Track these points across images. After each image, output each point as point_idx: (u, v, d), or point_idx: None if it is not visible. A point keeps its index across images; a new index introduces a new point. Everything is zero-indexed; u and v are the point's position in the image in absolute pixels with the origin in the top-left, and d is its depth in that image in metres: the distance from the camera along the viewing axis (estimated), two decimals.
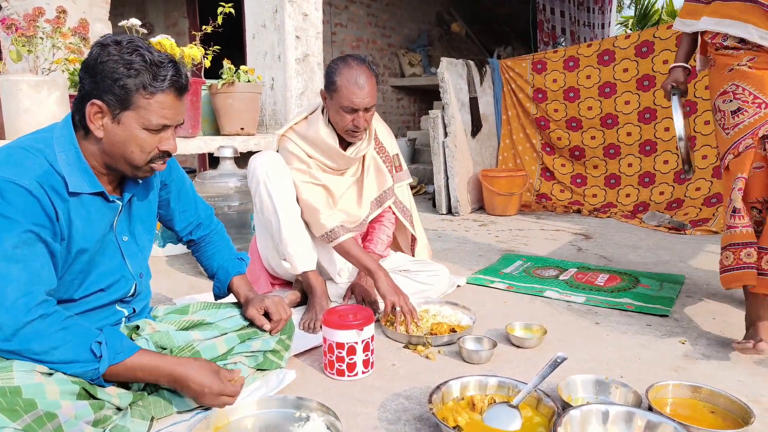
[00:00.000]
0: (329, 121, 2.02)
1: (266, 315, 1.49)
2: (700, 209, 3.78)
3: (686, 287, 2.38)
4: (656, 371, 1.59)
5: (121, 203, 1.29)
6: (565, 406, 1.30)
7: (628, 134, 4.27)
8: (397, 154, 2.29)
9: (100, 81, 1.13)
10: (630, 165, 4.28)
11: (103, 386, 1.16)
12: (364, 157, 2.15)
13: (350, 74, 1.88)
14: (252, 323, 1.48)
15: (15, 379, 1.03)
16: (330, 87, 1.92)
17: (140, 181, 1.33)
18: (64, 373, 1.10)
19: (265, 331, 1.48)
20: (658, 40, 4.02)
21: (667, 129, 4.08)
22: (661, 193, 4.10)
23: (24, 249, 1.08)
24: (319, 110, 2.06)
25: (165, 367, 1.19)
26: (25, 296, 1.07)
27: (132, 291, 1.35)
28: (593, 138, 4.40)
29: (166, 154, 1.23)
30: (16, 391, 1.01)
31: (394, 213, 2.26)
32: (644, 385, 1.47)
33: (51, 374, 1.09)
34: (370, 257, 2.00)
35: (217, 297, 1.60)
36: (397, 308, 1.83)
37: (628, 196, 4.26)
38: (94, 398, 1.14)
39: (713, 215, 3.64)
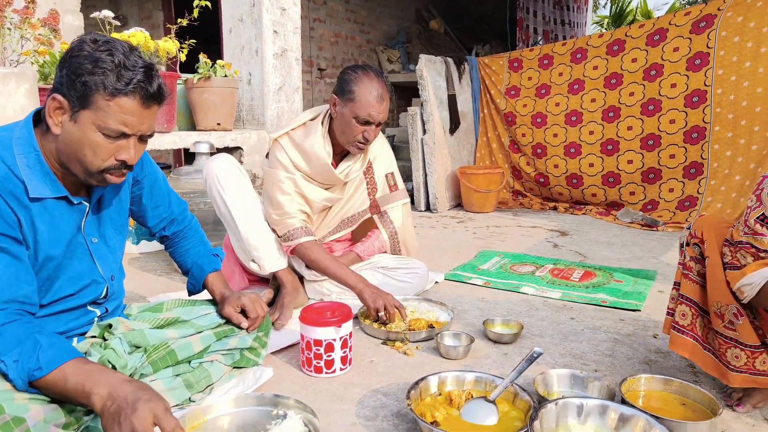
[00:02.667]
0: (329, 130, 1.97)
1: (243, 312, 1.47)
2: (674, 213, 3.78)
3: (658, 282, 2.43)
4: (629, 365, 1.62)
5: (88, 204, 1.24)
6: (542, 400, 1.31)
7: (591, 133, 4.15)
8: (392, 173, 2.21)
9: (66, 75, 1.08)
10: (591, 165, 4.15)
11: (55, 402, 1.06)
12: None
13: (371, 86, 1.85)
14: (228, 321, 1.47)
15: None
16: (345, 95, 1.87)
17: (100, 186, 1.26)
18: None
19: (242, 328, 1.46)
20: (629, 38, 4.05)
21: (630, 128, 3.95)
22: (632, 193, 4.03)
23: None
24: (319, 119, 1.99)
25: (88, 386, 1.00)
26: None
27: (104, 294, 1.31)
28: (555, 135, 4.30)
29: (123, 165, 1.15)
30: None
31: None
32: (618, 378, 1.51)
33: None
34: (340, 265, 1.95)
35: (191, 293, 1.57)
36: (381, 313, 1.81)
37: (594, 195, 4.21)
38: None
39: (686, 220, 3.64)
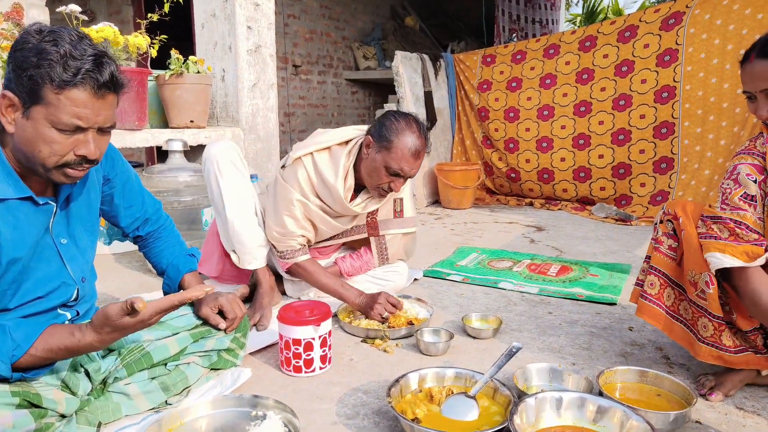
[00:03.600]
0: (355, 164, 1.90)
1: (220, 313, 1.45)
2: (647, 207, 3.84)
3: (632, 276, 2.48)
4: (606, 357, 1.64)
5: (55, 205, 1.19)
6: (521, 395, 1.32)
7: (562, 127, 4.15)
8: (401, 199, 2.09)
9: (13, 71, 1.03)
10: (563, 159, 4.16)
11: (26, 378, 1.09)
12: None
13: (411, 141, 1.78)
14: (205, 322, 1.44)
15: None
16: (381, 140, 1.80)
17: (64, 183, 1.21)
18: None
19: (219, 329, 1.44)
20: (601, 35, 4.11)
21: (601, 122, 3.98)
22: (602, 189, 4.07)
23: None
24: (347, 149, 1.89)
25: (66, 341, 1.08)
26: None
27: (74, 296, 1.27)
28: (528, 130, 4.31)
29: (84, 160, 1.09)
30: None
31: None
32: (595, 371, 1.53)
33: None
34: (336, 281, 1.94)
35: (166, 294, 1.54)
36: (385, 315, 1.82)
37: (565, 191, 4.23)
38: (38, 407, 1.07)
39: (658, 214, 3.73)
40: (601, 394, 1.31)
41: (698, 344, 1.39)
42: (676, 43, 3.72)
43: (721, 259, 1.29)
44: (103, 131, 1.11)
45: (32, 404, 1.06)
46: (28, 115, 1.03)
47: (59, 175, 1.10)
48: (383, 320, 1.82)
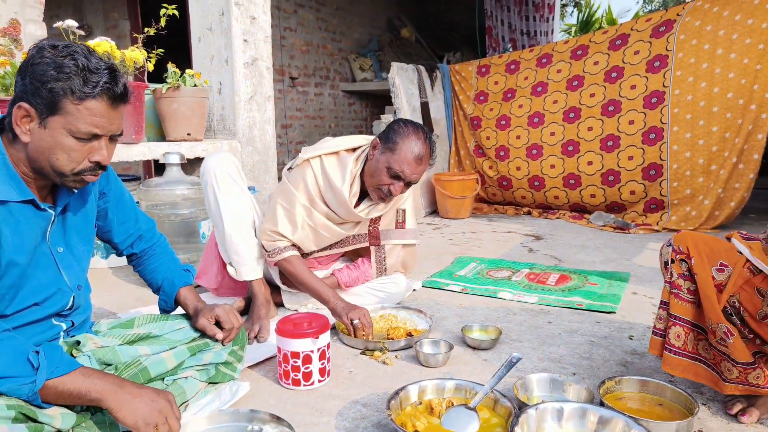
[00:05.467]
0: (362, 171, 1.93)
1: (217, 324, 1.44)
2: (645, 216, 3.83)
3: (632, 284, 2.47)
4: (607, 367, 1.63)
5: (53, 212, 1.22)
6: (522, 406, 1.31)
7: (552, 134, 4.15)
8: (404, 210, 2.11)
9: (30, 84, 1.08)
10: (552, 166, 4.15)
11: (41, 407, 1.07)
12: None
13: (415, 145, 1.83)
14: (203, 334, 1.43)
15: None
16: (387, 143, 1.85)
17: (75, 189, 1.25)
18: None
19: (217, 341, 1.43)
20: (593, 44, 4.14)
21: (590, 128, 3.97)
22: (592, 196, 4.05)
23: None
24: (355, 155, 1.93)
25: (106, 389, 1.10)
26: None
27: (70, 304, 1.27)
28: (518, 137, 4.30)
29: (98, 166, 1.16)
30: None
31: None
32: (596, 381, 1.52)
33: None
34: (316, 279, 1.92)
35: (163, 311, 1.53)
36: (355, 321, 1.79)
37: (556, 197, 4.22)
38: (35, 421, 1.06)
39: (657, 223, 3.69)
40: (602, 404, 1.30)
41: (724, 384, 1.31)
42: (666, 49, 3.75)
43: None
44: (113, 139, 1.18)
45: (28, 418, 1.05)
46: (45, 124, 1.09)
47: (74, 182, 1.16)
48: (351, 325, 1.79)
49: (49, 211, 1.21)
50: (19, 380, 1.03)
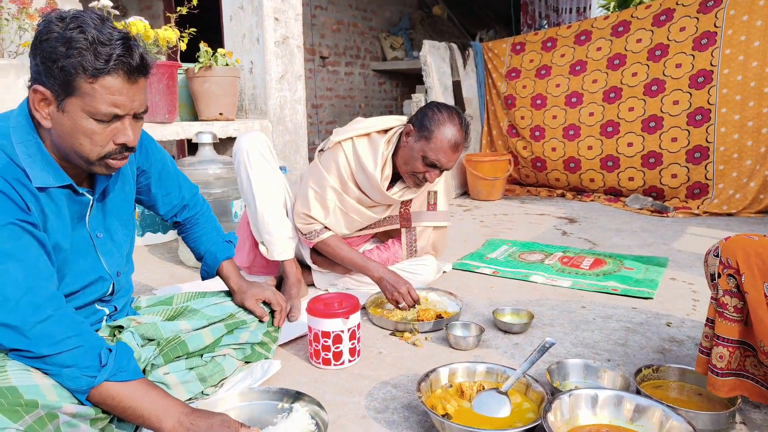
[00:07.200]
0: (394, 152, 1.90)
1: (264, 304, 1.47)
2: (686, 201, 3.69)
3: (670, 269, 2.40)
4: (643, 354, 1.59)
5: (92, 197, 1.19)
6: (554, 392, 1.29)
7: (591, 114, 4.03)
8: (436, 192, 2.08)
9: (42, 63, 0.99)
10: (590, 148, 4.04)
11: (83, 403, 1.03)
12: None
13: (451, 133, 1.78)
14: (238, 312, 1.45)
15: (12, 379, 0.96)
16: (422, 130, 1.81)
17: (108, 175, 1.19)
18: (53, 378, 1.01)
19: (262, 321, 1.46)
20: (635, 19, 3.96)
21: (631, 109, 3.83)
22: (630, 179, 3.93)
23: (10, 243, 0.98)
24: (386, 138, 1.89)
25: (167, 409, 1.04)
26: (27, 294, 0.97)
27: (110, 290, 1.27)
28: (554, 117, 4.20)
29: (125, 148, 1.08)
30: (15, 391, 0.94)
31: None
32: (631, 368, 1.48)
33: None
34: (359, 254, 1.93)
35: (204, 278, 1.56)
36: (401, 304, 1.80)
37: (592, 180, 4.11)
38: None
39: (698, 207, 3.53)
40: (638, 392, 1.27)
41: None
42: (715, 26, 3.57)
43: None
44: (137, 117, 1.09)
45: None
46: (63, 107, 1.01)
47: (101, 167, 1.08)
48: (396, 305, 1.80)
49: (87, 196, 1.17)
50: (83, 371, 1.00)
